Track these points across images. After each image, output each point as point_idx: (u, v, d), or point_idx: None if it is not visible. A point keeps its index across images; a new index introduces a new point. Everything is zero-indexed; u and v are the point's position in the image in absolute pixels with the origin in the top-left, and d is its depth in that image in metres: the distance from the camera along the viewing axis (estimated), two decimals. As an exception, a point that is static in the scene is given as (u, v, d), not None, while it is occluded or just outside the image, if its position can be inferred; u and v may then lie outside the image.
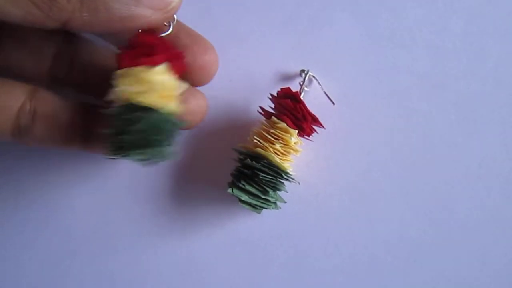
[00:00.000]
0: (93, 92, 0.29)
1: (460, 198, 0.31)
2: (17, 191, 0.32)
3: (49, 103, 0.27)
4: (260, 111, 0.30)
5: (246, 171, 0.28)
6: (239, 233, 0.31)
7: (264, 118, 0.30)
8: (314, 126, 0.29)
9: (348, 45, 0.32)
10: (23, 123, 0.26)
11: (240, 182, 0.28)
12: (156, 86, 0.25)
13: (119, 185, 0.32)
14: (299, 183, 0.30)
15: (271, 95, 0.30)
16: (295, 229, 0.31)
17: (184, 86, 0.27)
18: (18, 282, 0.31)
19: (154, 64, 0.25)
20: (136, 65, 0.25)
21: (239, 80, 0.32)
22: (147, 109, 0.25)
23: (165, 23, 0.27)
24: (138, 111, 0.25)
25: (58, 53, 0.28)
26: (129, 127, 0.25)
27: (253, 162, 0.28)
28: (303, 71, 0.31)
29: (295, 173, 0.29)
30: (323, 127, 0.29)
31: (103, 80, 0.27)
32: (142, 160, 0.25)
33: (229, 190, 0.28)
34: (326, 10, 0.33)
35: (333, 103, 0.31)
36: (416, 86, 0.31)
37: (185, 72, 0.27)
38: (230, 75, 0.32)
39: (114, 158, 0.25)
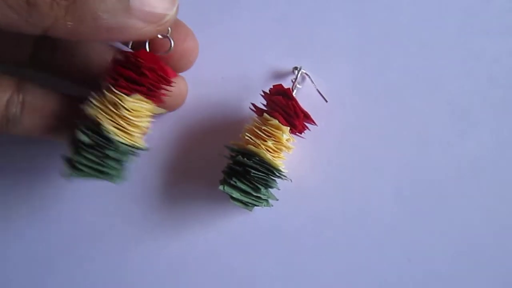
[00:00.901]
0: (77, 78, 0.29)
1: (453, 197, 0.31)
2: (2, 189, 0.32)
3: (37, 94, 0.27)
4: (252, 108, 0.30)
5: (237, 168, 0.28)
6: (230, 230, 0.31)
7: (256, 115, 0.29)
8: (306, 123, 0.29)
9: (341, 43, 0.32)
10: (11, 114, 0.26)
11: (231, 179, 0.28)
12: (125, 114, 0.25)
13: (109, 183, 0.32)
14: (291, 181, 0.29)
15: (263, 92, 0.29)
16: (286, 226, 0.31)
17: (159, 110, 0.28)
18: (3, 281, 0.31)
19: (129, 92, 0.25)
20: (114, 85, 0.25)
21: (231, 77, 0.32)
22: (108, 136, 0.25)
23: (160, 36, 0.26)
24: (99, 135, 0.25)
25: (40, 38, 0.28)
26: (85, 150, 0.25)
27: (245, 159, 0.28)
28: (295, 68, 0.31)
29: (287, 171, 0.29)
30: (315, 124, 0.29)
31: (86, 66, 0.28)
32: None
33: (221, 187, 0.28)
34: (319, 8, 0.33)
35: (326, 100, 0.31)
36: (410, 84, 0.31)
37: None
38: (222, 72, 0.32)
39: (68, 177, 0.26)
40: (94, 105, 0.25)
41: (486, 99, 0.31)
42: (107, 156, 0.26)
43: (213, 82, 0.30)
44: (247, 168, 0.28)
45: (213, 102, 0.30)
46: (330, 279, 0.30)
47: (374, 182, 0.31)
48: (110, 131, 0.25)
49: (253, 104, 0.30)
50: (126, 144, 0.26)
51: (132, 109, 0.25)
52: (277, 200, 0.30)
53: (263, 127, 0.28)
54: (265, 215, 0.31)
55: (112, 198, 0.31)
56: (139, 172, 0.31)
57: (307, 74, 0.31)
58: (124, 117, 0.25)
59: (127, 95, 0.25)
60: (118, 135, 0.25)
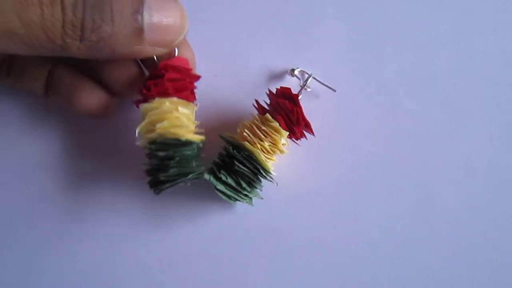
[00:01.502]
0: None
1: (447, 195, 0.31)
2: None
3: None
4: (255, 105, 0.29)
5: (227, 160, 0.28)
6: (219, 228, 0.31)
7: (257, 113, 0.29)
8: (305, 132, 0.29)
9: (336, 41, 0.32)
10: None
11: (220, 173, 0.28)
12: (183, 118, 0.26)
13: (92, 178, 0.31)
14: (277, 184, 0.29)
15: (269, 91, 0.29)
16: (276, 224, 0.30)
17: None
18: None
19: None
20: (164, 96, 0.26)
21: (225, 74, 0.32)
22: (179, 143, 0.26)
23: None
24: (171, 146, 0.26)
25: None
26: (165, 164, 0.26)
27: (234, 151, 0.28)
28: (292, 70, 0.31)
29: (275, 174, 0.29)
30: (313, 134, 0.29)
31: None
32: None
33: (207, 176, 0.28)
34: (314, 6, 0.32)
35: (334, 90, 0.30)
36: (403, 83, 0.32)
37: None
38: (216, 70, 0.31)
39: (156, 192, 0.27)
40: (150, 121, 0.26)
41: (479, 96, 0.32)
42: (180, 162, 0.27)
43: (206, 79, 0.30)
44: (233, 160, 0.28)
45: (206, 100, 0.29)
46: (319, 279, 0.30)
47: (367, 180, 0.31)
48: (173, 134, 0.26)
49: (256, 101, 0.29)
50: None
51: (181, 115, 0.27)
52: (262, 198, 0.30)
53: (263, 127, 0.28)
54: (254, 213, 0.30)
55: (101, 197, 0.31)
56: (129, 170, 0.31)
57: (313, 77, 0.30)
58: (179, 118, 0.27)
59: None
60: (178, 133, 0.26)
